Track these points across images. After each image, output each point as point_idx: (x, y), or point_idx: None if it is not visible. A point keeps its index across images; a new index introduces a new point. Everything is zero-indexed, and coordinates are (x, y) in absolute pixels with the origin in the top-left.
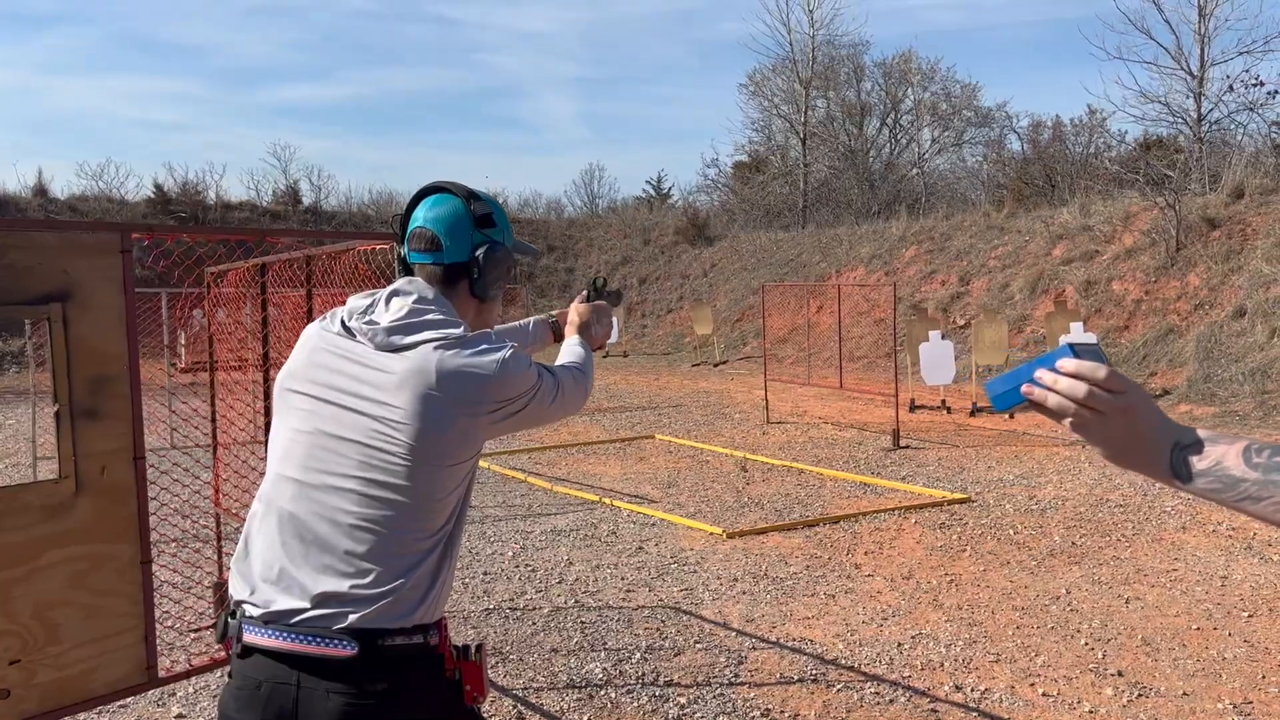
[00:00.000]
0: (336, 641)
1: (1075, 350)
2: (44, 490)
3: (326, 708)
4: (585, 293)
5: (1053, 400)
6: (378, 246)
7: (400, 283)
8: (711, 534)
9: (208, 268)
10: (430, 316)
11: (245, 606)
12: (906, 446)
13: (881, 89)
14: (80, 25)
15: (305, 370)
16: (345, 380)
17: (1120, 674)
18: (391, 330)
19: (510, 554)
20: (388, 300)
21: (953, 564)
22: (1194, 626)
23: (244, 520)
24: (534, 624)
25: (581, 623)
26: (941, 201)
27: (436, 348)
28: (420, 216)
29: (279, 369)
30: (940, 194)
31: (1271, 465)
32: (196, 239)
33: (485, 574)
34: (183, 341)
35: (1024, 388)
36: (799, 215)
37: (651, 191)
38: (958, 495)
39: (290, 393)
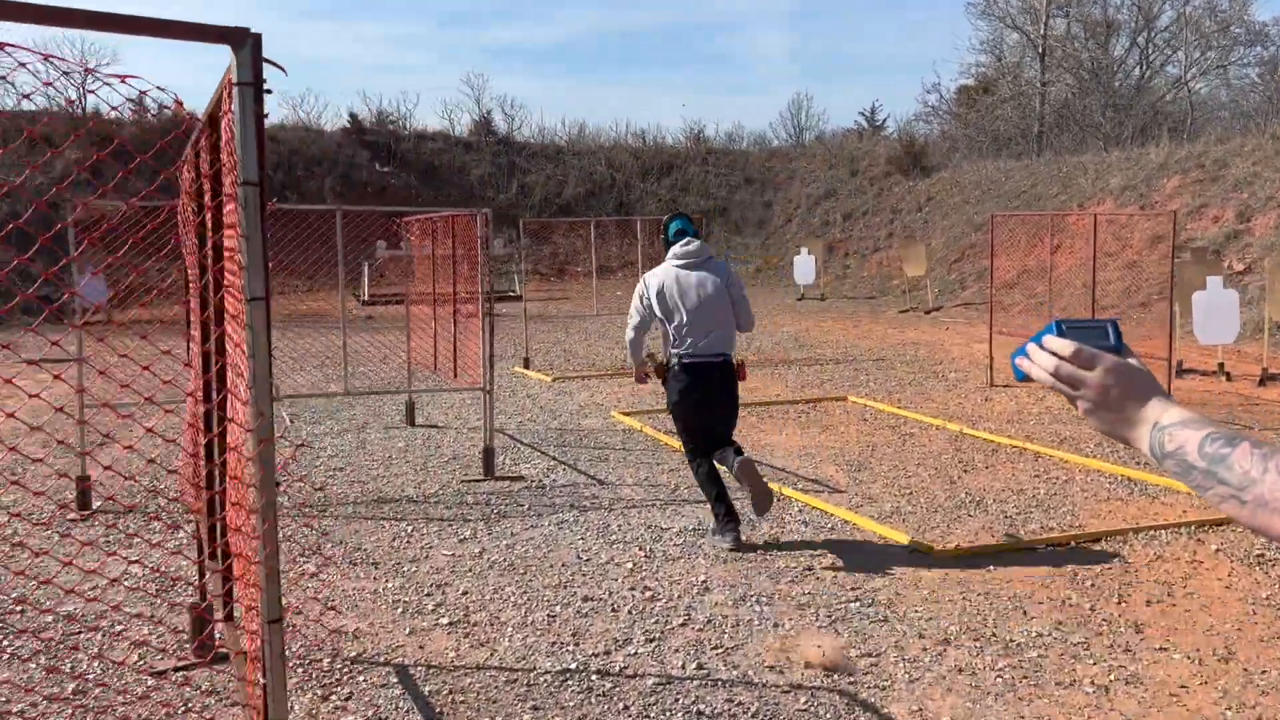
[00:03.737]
0: (720, 357)
1: (1062, 327)
2: None
3: (719, 372)
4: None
5: (1034, 372)
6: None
7: (699, 245)
8: (912, 551)
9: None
10: (716, 258)
11: (684, 354)
12: None
13: (1133, 3)
14: None
15: (676, 283)
16: (696, 281)
17: None
18: (709, 260)
19: (629, 565)
20: (699, 250)
21: None
22: None
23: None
24: (627, 705)
25: (698, 712)
26: (1211, 126)
27: (726, 262)
28: (686, 221)
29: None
30: (1204, 121)
31: (1216, 456)
32: None
33: (585, 600)
34: (365, 274)
35: (1018, 359)
36: (1033, 142)
37: (864, 123)
38: None
39: (673, 293)
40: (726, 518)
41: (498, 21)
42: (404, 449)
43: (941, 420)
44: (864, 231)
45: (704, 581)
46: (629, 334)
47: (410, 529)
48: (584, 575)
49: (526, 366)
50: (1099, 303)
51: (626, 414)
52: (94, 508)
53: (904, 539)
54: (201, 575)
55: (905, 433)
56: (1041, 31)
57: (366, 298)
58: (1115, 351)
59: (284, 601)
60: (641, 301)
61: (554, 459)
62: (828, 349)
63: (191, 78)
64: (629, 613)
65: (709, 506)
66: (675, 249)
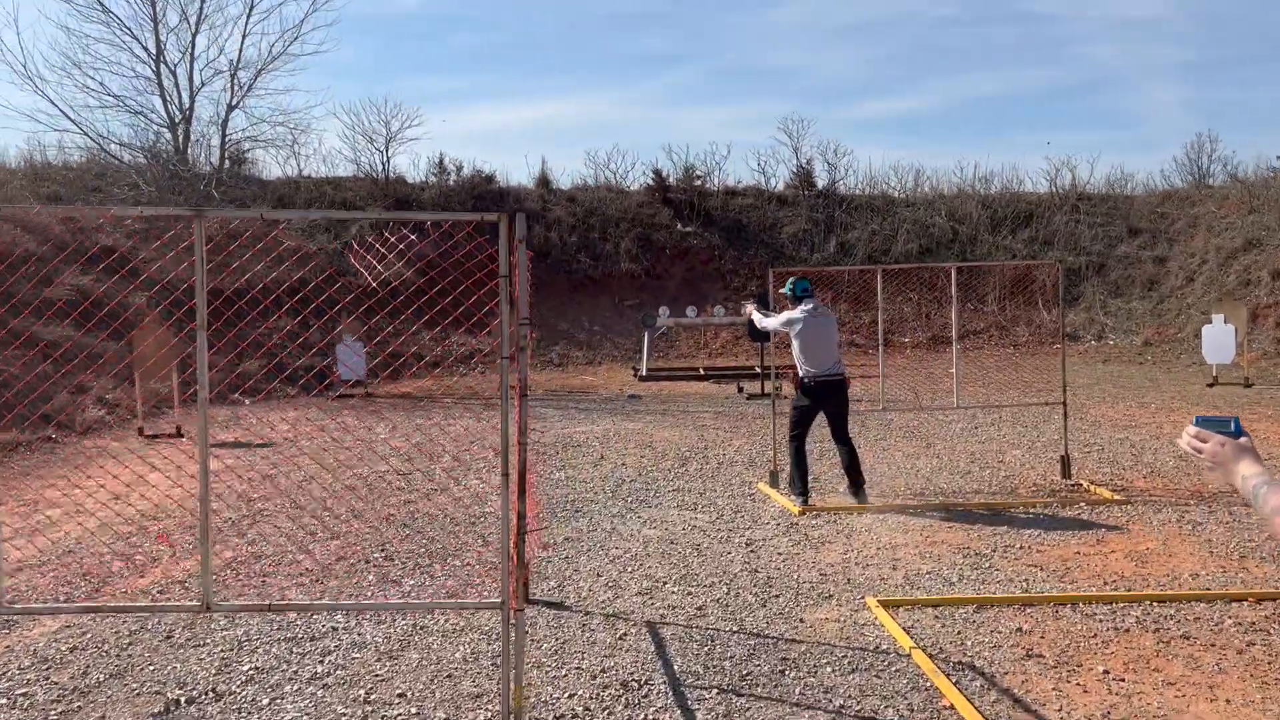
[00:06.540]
0: (840, 375)
1: (1199, 420)
2: None
3: (840, 390)
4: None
5: (1183, 447)
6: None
7: (819, 303)
8: None
9: None
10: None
11: (815, 373)
12: None
13: None
14: (695, 61)
15: (812, 320)
16: (822, 323)
17: None
18: (825, 311)
19: None
20: (820, 306)
21: None
22: None
23: None
24: None
25: None
26: None
27: (834, 314)
28: (808, 282)
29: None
30: None
31: (1255, 493)
32: None
33: None
34: (646, 344)
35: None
36: None
37: None
38: None
39: (807, 328)
40: (803, 489)
41: (865, 100)
42: (462, 668)
43: None
44: None
45: None
46: (769, 322)
47: None
48: None
49: (773, 484)
50: None
51: (890, 603)
52: None
53: None
54: None
55: None
56: None
57: (645, 373)
58: (1235, 436)
59: None
60: (787, 325)
61: None
62: (1275, 472)
63: (481, 142)
64: None
65: (789, 470)
66: (805, 303)
